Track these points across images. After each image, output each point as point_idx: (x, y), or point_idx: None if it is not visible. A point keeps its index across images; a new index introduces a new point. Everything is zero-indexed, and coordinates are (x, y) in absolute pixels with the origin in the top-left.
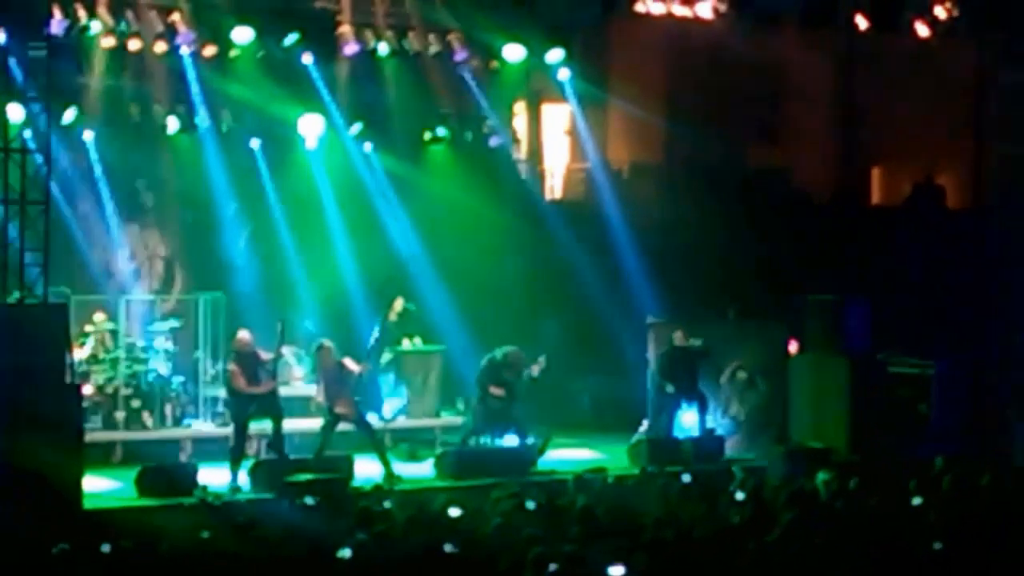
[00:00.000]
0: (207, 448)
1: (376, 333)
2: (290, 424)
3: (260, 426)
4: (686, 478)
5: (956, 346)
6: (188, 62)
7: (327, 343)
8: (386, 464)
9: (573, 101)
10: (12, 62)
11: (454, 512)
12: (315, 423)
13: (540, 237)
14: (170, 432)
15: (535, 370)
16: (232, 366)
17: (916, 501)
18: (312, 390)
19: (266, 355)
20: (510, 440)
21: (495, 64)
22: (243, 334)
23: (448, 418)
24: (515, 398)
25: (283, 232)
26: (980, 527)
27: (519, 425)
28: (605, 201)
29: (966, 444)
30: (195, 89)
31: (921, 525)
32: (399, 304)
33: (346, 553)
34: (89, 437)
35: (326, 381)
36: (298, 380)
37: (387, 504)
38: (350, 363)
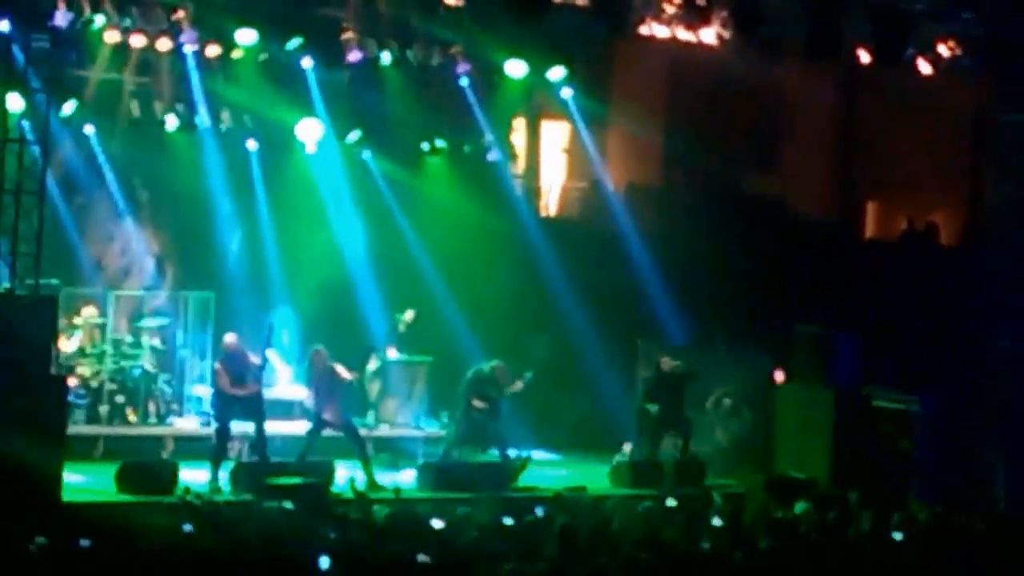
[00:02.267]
0: (189, 447)
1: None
2: (274, 427)
3: (243, 428)
4: (671, 502)
5: (942, 385)
6: (190, 61)
7: (320, 348)
8: (368, 472)
9: (575, 118)
10: (15, 52)
11: (437, 523)
12: (299, 426)
13: (533, 253)
14: (153, 429)
15: (519, 386)
16: (218, 366)
17: (896, 536)
18: (297, 393)
19: (253, 358)
20: (492, 455)
21: (496, 79)
22: (230, 336)
23: (431, 429)
24: (497, 413)
25: (275, 234)
26: (959, 567)
27: (500, 440)
28: (603, 220)
29: (947, 483)
30: (196, 88)
31: (900, 561)
32: (409, 315)
33: (324, 563)
34: (72, 430)
35: (317, 386)
36: (284, 383)
37: (366, 512)
38: (342, 370)
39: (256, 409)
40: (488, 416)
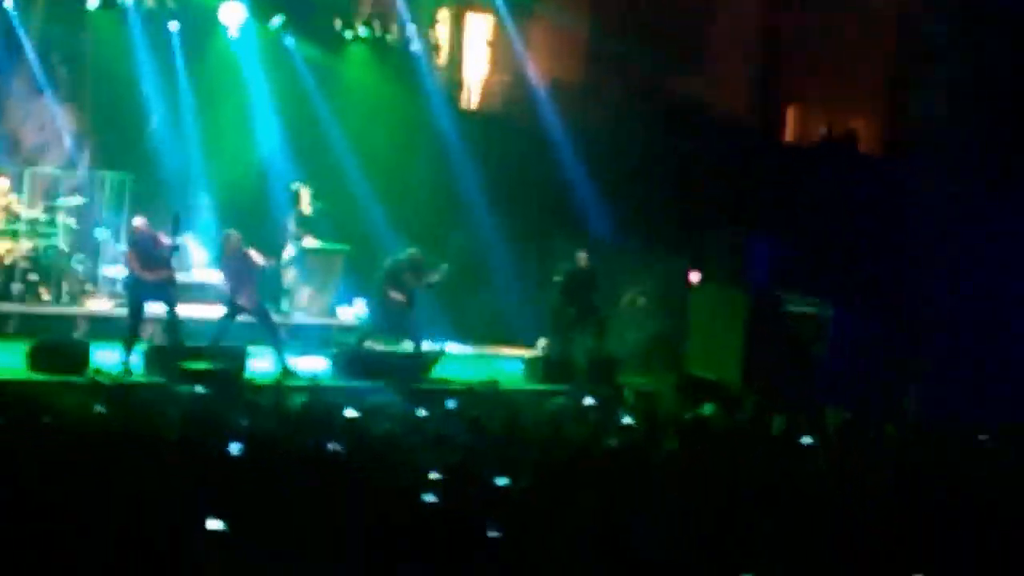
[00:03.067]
0: (103, 328)
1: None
2: (188, 311)
3: (156, 310)
4: (588, 400)
5: (857, 292)
6: None
7: (233, 232)
8: (281, 359)
9: (500, 11)
10: None
11: (350, 413)
12: (214, 310)
13: (453, 147)
14: (66, 309)
15: (434, 278)
16: (128, 249)
17: (806, 440)
18: (212, 277)
19: (165, 240)
20: (406, 345)
21: None
22: (139, 219)
23: (345, 318)
24: (413, 303)
25: (195, 118)
26: (868, 474)
27: (414, 331)
28: (525, 115)
29: (858, 391)
30: None
31: (809, 465)
32: (306, 194)
33: (235, 448)
34: None
35: (229, 270)
36: (198, 267)
37: (279, 399)
38: (255, 255)
39: (167, 293)
40: (404, 307)
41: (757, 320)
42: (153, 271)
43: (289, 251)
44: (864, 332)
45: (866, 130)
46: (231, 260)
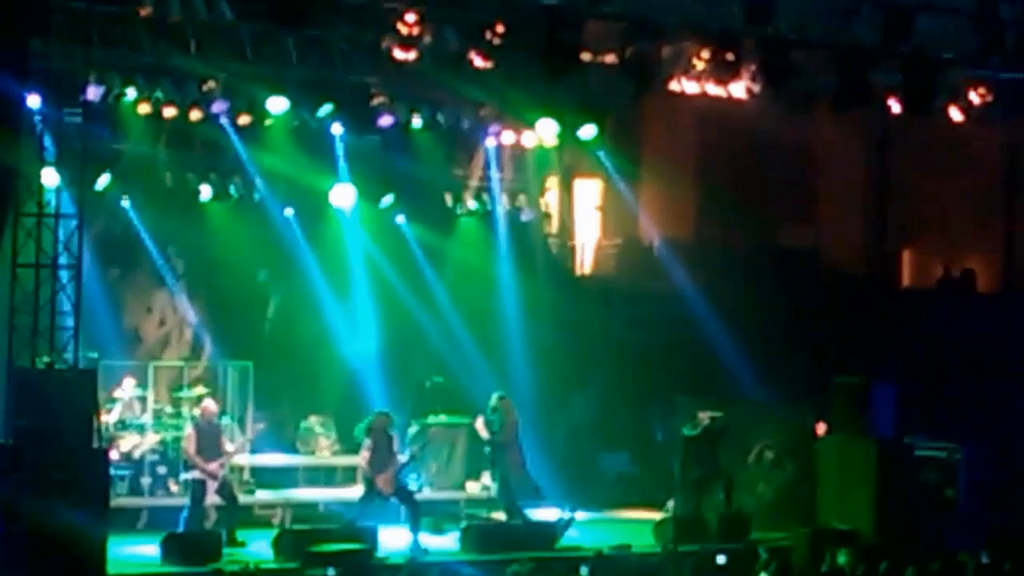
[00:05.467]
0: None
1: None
2: (315, 493)
3: (284, 494)
4: (721, 559)
5: (984, 432)
6: (223, 131)
7: (383, 414)
8: (415, 537)
9: (608, 175)
10: (48, 127)
11: None
12: (339, 492)
13: (570, 312)
14: None
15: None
16: (188, 430)
17: None
18: (337, 460)
19: (229, 447)
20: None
21: (528, 138)
22: (208, 403)
23: (473, 491)
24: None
25: (313, 300)
26: None
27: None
28: (638, 276)
29: (993, 532)
30: (229, 157)
31: None
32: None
33: None
34: (115, 503)
35: (374, 450)
36: (324, 450)
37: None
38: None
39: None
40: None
41: (886, 467)
42: (207, 460)
43: (412, 428)
44: (995, 472)
45: (982, 268)
46: (378, 440)
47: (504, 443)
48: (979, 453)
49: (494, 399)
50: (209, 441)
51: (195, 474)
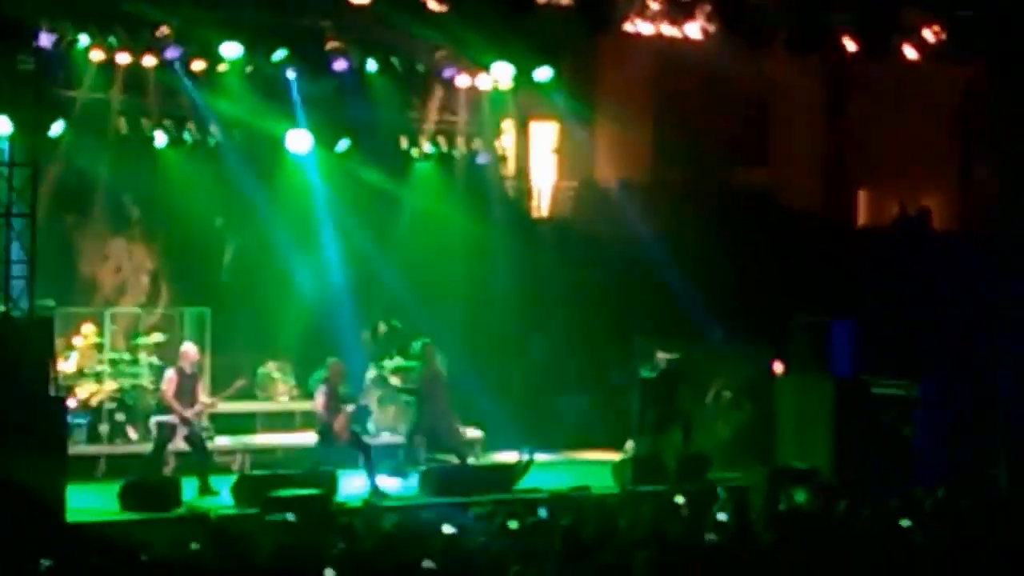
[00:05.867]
0: (191, 462)
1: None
2: (274, 438)
3: (243, 440)
4: (678, 499)
5: (942, 369)
6: (177, 77)
7: (336, 361)
8: (372, 480)
9: (564, 118)
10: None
11: (448, 529)
12: (297, 437)
13: (527, 255)
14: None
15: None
16: (170, 374)
17: (904, 523)
18: (295, 405)
19: (205, 399)
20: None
21: (483, 81)
22: (188, 347)
23: None
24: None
25: (270, 246)
26: (966, 551)
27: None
28: (595, 218)
29: (950, 469)
30: (183, 104)
31: (907, 548)
32: (381, 328)
33: (330, 574)
34: (73, 450)
35: (328, 397)
36: (282, 395)
37: (372, 521)
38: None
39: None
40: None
41: (844, 406)
42: (186, 404)
43: (371, 372)
44: (951, 409)
45: (937, 207)
46: (330, 388)
47: (424, 394)
48: (937, 390)
49: (416, 346)
50: (187, 387)
51: (165, 418)
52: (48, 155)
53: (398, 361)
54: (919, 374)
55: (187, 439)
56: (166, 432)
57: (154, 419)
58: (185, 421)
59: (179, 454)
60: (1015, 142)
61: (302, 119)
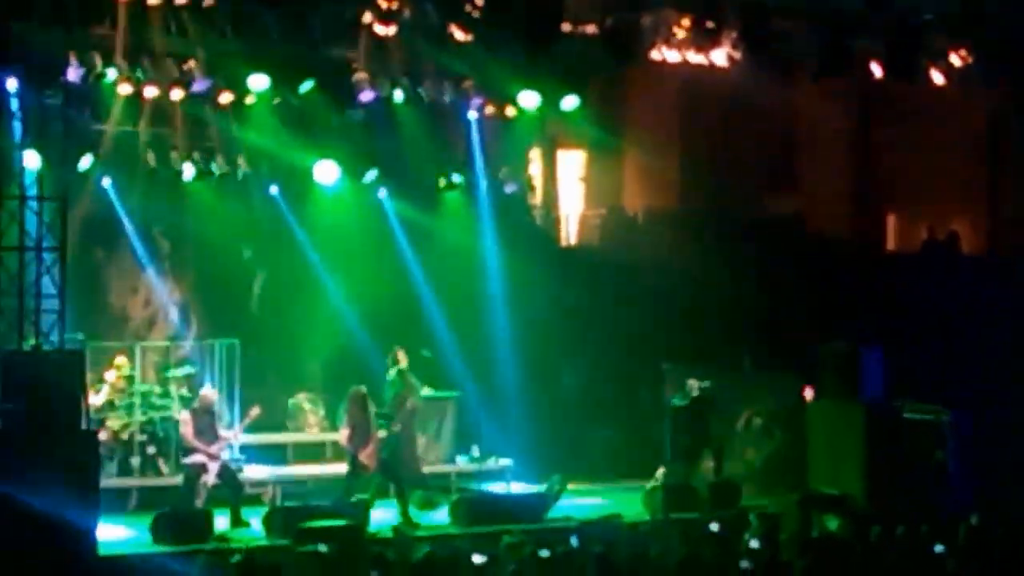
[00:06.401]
0: (222, 494)
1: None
2: (304, 469)
3: (274, 472)
4: (712, 527)
5: (971, 394)
6: (204, 109)
7: (359, 389)
8: (404, 510)
9: (591, 146)
10: (29, 110)
11: (477, 559)
12: (328, 468)
13: (556, 283)
14: None
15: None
16: (185, 415)
17: (937, 549)
18: (326, 436)
19: (225, 433)
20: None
21: (510, 110)
22: (207, 391)
23: (463, 464)
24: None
25: (299, 277)
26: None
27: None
28: (623, 246)
29: (982, 493)
30: (211, 136)
31: (942, 574)
32: (402, 358)
33: None
34: (104, 483)
35: (353, 427)
36: (313, 427)
37: (404, 551)
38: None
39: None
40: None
41: (875, 432)
42: (205, 442)
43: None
44: (983, 435)
45: (967, 231)
46: (357, 417)
47: (398, 420)
48: (967, 416)
49: (392, 373)
50: (205, 426)
51: (194, 458)
52: (77, 189)
53: (427, 391)
54: (950, 399)
55: (218, 475)
56: (196, 470)
57: (183, 460)
58: (212, 457)
59: (217, 488)
60: None
61: (335, 150)
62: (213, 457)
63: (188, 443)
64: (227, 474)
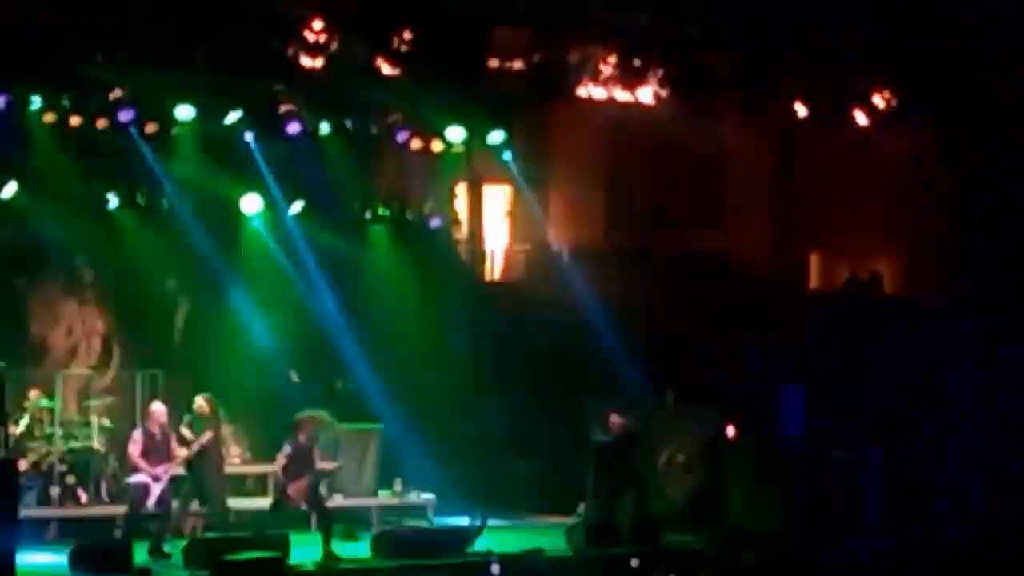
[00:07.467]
0: (143, 525)
1: None
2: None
3: (193, 504)
4: (634, 563)
5: (892, 434)
6: (130, 139)
7: (309, 417)
8: (327, 543)
9: (517, 181)
10: None
11: None
12: (250, 502)
13: (480, 318)
14: (105, 509)
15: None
16: (136, 435)
17: None
18: (247, 469)
19: (179, 451)
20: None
21: (437, 145)
22: (156, 407)
23: (385, 498)
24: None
25: (223, 309)
26: None
27: None
28: (548, 282)
29: (899, 533)
30: (136, 166)
31: None
32: (293, 377)
33: None
34: (23, 513)
35: (292, 457)
36: (235, 459)
37: None
38: (324, 462)
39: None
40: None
41: (795, 469)
42: (152, 463)
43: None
44: (903, 475)
45: (890, 271)
46: (298, 448)
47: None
48: (887, 455)
49: (197, 400)
50: (155, 446)
51: (137, 478)
52: (0, 217)
53: (341, 427)
54: (870, 438)
55: (158, 501)
56: (140, 492)
57: (127, 480)
58: (155, 479)
59: (152, 516)
60: (965, 207)
61: (261, 181)
62: (156, 479)
63: (132, 463)
64: (163, 501)
